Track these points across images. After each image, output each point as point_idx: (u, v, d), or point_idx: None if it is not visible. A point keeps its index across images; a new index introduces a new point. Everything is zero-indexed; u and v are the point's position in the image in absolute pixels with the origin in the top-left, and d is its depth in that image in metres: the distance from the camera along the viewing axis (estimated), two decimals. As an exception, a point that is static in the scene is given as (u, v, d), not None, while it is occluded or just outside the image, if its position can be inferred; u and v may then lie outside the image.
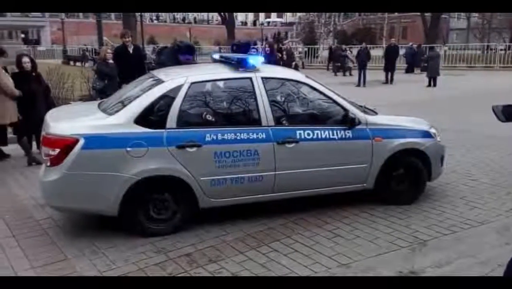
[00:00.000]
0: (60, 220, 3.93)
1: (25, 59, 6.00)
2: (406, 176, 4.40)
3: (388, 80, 16.76)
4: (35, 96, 5.82)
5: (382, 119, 4.36)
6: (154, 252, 3.38)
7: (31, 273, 3.05)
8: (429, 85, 15.54)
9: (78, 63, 21.42)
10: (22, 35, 42.98)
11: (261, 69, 3.99)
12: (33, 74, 6.02)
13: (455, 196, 4.68)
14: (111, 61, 7.03)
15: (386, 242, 3.63)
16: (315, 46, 26.48)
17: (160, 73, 4.14)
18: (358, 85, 16.02)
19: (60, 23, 33.27)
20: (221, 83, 3.89)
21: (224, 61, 4.26)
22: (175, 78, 3.77)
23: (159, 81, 3.79)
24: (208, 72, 4.12)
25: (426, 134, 4.48)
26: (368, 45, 21.19)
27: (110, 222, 3.68)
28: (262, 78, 3.89)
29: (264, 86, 3.86)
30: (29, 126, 5.77)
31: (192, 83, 3.70)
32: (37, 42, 40.92)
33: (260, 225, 3.88)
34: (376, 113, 4.53)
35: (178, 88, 3.64)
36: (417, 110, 6.83)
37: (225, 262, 3.25)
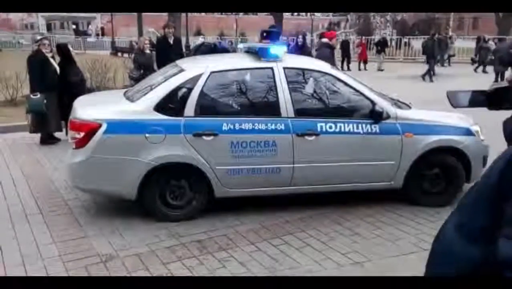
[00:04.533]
0: (86, 200, 4.32)
1: (71, 49, 6.67)
2: (441, 176, 4.30)
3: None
4: (84, 85, 6.41)
5: (415, 114, 4.29)
6: (168, 236, 3.63)
7: (52, 248, 3.42)
8: (496, 80, 14.61)
9: (125, 54, 22.63)
10: (74, 26, 45.92)
11: (284, 59, 4.09)
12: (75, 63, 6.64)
13: (497, 200, 4.48)
14: (147, 51, 7.49)
15: (409, 244, 3.60)
16: (371, 37, 25.69)
17: (183, 62, 4.39)
18: (424, 79, 15.13)
19: (110, 15, 35.18)
20: (241, 73, 4.04)
21: (249, 51, 4.42)
22: (195, 67, 3.99)
23: (180, 70, 4.03)
24: (229, 61, 4.29)
25: (467, 131, 4.33)
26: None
27: (132, 206, 3.99)
28: (284, 68, 3.99)
29: (286, 77, 3.96)
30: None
31: (212, 72, 3.90)
32: (102, 33, 43.01)
33: (276, 217, 4.01)
34: (410, 107, 4.46)
35: (197, 77, 3.85)
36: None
37: (234, 251, 3.42)
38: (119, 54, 24.70)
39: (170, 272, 3.11)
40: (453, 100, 1.23)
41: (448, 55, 20.03)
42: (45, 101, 6.20)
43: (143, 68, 7.26)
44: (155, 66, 7.34)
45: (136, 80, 7.15)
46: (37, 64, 6.27)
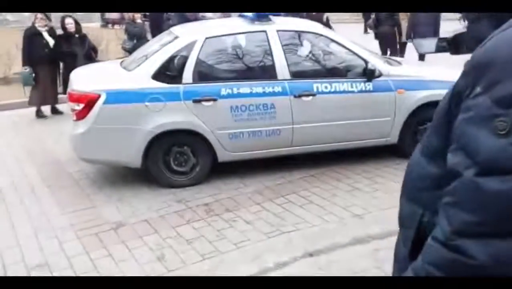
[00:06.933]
0: (91, 172, 4.37)
1: (68, 20, 6.45)
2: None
3: None
4: (76, 57, 6.27)
5: (406, 70, 4.33)
6: (175, 201, 3.73)
7: (62, 219, 3.49)
8: None
9: (116, 26, 21.86)
10: None
11: (277, 22, 4.07)
12: (76, 36, 6.47)
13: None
14: (139, 21, 7.33)
15: (406, 195, 3.72)
16: None
17: (178, 29, 4.35)
18: None
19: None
20: (236, 37, 4.03)
21: (244, 15, 4.38)
22: (190, 34, 3.97)
23: (175, 37, 4.00)
24: (223, 27, 4.26)
25: None
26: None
27: (138, 174, 4.07)
28: (277, 31, 3.99)
29: (279, 39, 3.96)
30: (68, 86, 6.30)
31: (207, 38, 3.88)
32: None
33: (279, 178, 4.11)
34: (400, 64, 4.50)
35: (193, 44, 3.84)
36: None
37: (241, 211, 3.53)
38: (110, 26, 23.86)
39: (180, 235, 3.21)
40: (419, 47, 1.28)
41: None
42: (33, 74, 6.21)
43: (135, 38, 7.13)
44: (149, 36, 7.21)
45: (130, 51, 7.05)
46: (26, 38, 6.30)
